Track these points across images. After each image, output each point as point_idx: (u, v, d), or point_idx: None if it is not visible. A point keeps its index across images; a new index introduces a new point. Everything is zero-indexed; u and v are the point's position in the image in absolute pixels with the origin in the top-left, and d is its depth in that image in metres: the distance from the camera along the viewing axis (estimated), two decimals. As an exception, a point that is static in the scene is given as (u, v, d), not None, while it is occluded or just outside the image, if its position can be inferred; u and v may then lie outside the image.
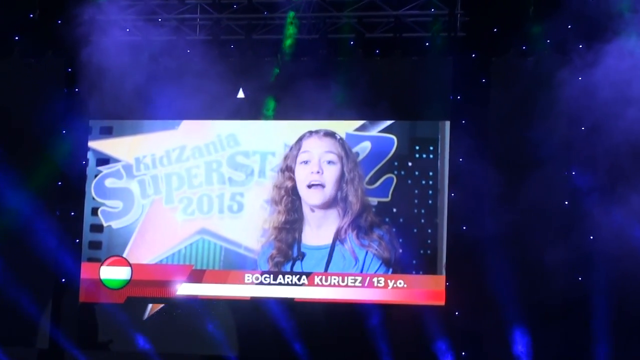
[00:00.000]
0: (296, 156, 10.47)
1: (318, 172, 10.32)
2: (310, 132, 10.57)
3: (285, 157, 10.55)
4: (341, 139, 10.50)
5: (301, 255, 10.52)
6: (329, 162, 10.41)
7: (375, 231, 10.35)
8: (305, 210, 10.49)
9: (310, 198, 10.43)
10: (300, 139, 10.56)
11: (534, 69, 10.12)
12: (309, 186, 10.37)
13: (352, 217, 10.35)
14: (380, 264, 10.32)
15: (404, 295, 10.30)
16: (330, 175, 10.39)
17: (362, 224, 10.35)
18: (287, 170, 10.46)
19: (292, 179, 10.45)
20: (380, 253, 10.31)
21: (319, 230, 10.48)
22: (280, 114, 10.68)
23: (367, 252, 10.33)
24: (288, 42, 10.41)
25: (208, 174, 10.83)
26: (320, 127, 10.54)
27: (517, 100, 10.14)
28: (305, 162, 10.45)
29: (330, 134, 10.52)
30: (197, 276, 10.68)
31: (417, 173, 10.45)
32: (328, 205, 10.42)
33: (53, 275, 10.85)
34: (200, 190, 10.82)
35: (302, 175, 10.46)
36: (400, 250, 10.30)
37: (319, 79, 10.25)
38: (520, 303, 9.79)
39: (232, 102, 10.54)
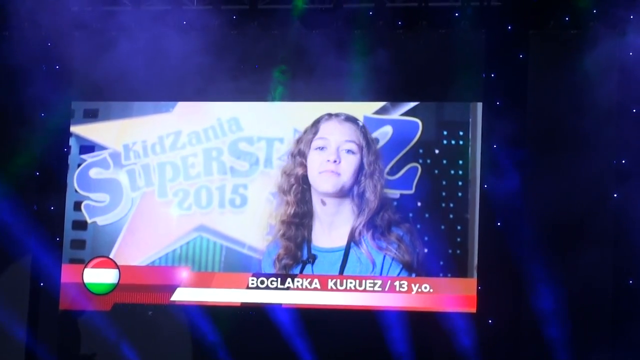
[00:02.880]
0: (311, 140, 10.37)
1: (335, 162, 10.24)
2: (330, 115, 10.44)
3: (298, 141, 10.45)
4: (363, 126, 10.39)
5: (312, 258, 10.47)
6: (348, 151, 10.32)
7: (394, 231, 10.28)
8: (316, 203, 10.39)
9: (321, 184, 10.30)
10: (317, 122, 10.43)
11: (578, 44, 10.03)
12: (322, 172, 10.29)
13: (369, 217, 10.28)
14: (401, 269, 10.25)
15: (429, 301, 10.23)
16: (348, 165, 10.30)
17: (378, 223, 10.28)
18: (299, 155, 10.37)
19: (304, 166, 10.35)
20: (400, 257, 10.23)
21: (331, 230, 10.42)
22: (289, 95, 10.61)
23: (385, 256, 10.28)
24: (298, 12, 10.41)
25: (207, 163, 10.76)
26: (335, 110, 10.47)
27: (559, 78, 10.10)
28: (321, 149, 10.34)
29: (352, 120, 10.41)
30: (194, 280, 10.63)
31: (445, 162, 10.39)
32: (342, 194, 10.31)
33: (29, 279, 10.85)
34: (198, 182, 10.76)
35: (316, 163, 10.34)
36: (426, 250, 10.20)
37: (333, 54, 10.20)
38: (563, 310, 9.79)
39: (235, 81, 10.50)
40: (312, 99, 10.56)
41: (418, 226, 10.28)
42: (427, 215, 10.32)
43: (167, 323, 10.70)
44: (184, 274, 10.66)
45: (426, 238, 10.24)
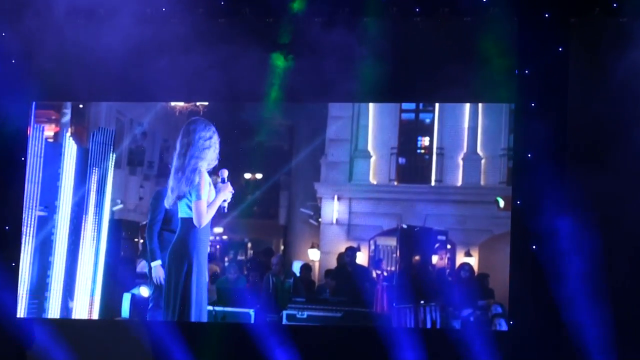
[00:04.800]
0: None
1: None
2: None
3: None
4: None
5: None
6: None
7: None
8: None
9: None
10: None
11: (628, 34, 9.62)
12: None
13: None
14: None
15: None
16: None
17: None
18: None
19: None
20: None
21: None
22: (288, 94, 10.30)
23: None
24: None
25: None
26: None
27: (605, 75, 9.67)
28: None
29: None
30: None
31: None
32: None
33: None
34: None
35: None
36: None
37: (338, 47, 9.85)
38: (614, 351, 9.38)
39: (222, 79, 10.07)
40: (313, 100, 10.43)
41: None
42: (447, 235, 10.45)
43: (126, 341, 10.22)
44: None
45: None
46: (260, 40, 10.19)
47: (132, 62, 10.03)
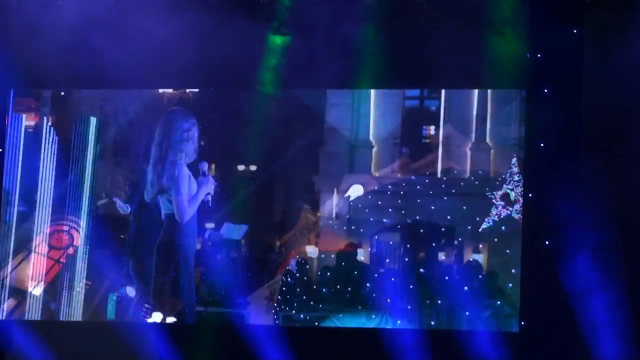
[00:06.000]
0: None
1: None
2: None
3: None
4: None
5: None
6: None
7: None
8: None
9: None
10: None
11: None
12: None
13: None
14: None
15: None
16: None
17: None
18: None
19: None
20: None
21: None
22: (283, 81, 10.23)
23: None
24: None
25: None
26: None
27: (623, 59, 9.52)
28: None
29: None
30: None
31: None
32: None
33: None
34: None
35: None
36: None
37: (337, 29, 9.77)
38: (631, 354, 9.18)
39: (213, 64, 9.97)
40: (310, 86, 10.30)
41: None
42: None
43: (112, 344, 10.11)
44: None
45: (456, 260, 10.29)
46: (254, 21, 9.97)
47: (116, 48, 9.88)
